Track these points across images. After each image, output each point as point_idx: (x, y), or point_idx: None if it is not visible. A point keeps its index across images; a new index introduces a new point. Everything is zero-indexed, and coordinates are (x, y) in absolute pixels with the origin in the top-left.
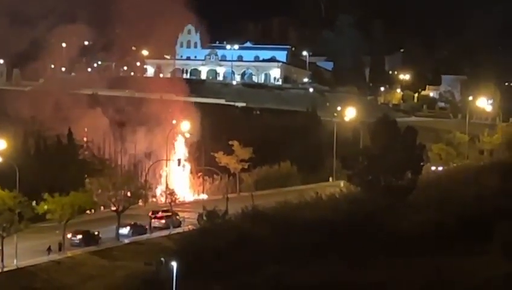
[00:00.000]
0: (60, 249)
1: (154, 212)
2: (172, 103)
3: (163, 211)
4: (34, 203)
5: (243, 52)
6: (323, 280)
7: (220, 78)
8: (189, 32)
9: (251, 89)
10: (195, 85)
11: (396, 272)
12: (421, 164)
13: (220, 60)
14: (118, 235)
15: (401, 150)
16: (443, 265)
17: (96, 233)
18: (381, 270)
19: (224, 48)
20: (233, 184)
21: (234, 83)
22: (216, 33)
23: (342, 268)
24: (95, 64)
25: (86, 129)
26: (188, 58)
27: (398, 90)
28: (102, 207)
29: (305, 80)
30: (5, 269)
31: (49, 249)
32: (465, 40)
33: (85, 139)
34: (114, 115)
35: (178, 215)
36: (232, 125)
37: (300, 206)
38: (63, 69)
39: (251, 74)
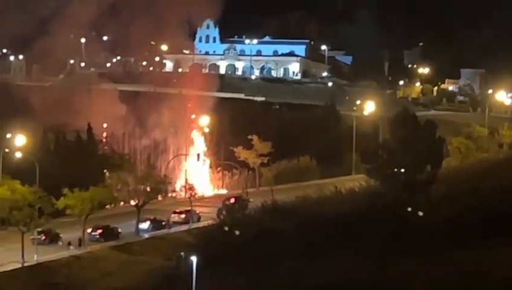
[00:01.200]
0: (80, 244)
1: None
2: (191, 97)
3: (186, 211)
4: (53, 198)
5: (262, 47)
6: (342, 274)
7: (239, 72)
8: (208, 27)
9: (270, 83)
10: (214, 80)
11: (416, 267)
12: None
13: (239, 55)
14: (137, 230)
15: (420, 143)
16: (464, 259)
17: (116, 228)
18: (401, 264)
19: (243, 43)
20: (253, 179)
21: (253, 77)
22: (235, 28)
23: (361, 263)
24: (114, 60)
25: (105, 125)
26: (207, 53)
27: (418, 84)
28: (122, 202)
29: (324, 74)
30: (25, 264)
31: (69, 244)
32: (484, 33)
33: (104, 134)
34: (133, 110)
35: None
36: (251, 119)
37: (320, 201)
38: (82, 64)
39: (270, 69)
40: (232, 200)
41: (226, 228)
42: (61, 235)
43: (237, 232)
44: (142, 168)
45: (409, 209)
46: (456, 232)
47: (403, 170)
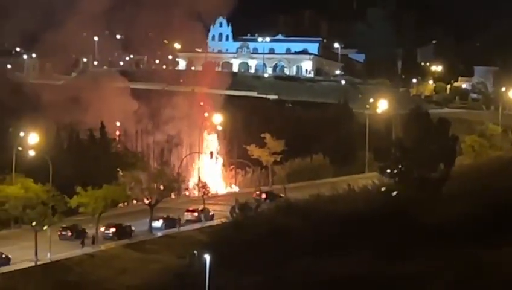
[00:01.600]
0: (93, 243)
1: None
2: (204, 95)
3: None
4: (67, 196)
5: (275, 45)
6: (356, 272)
7: (252, 70)
8: (220, 25)
9: (283, 81)
10: (227, 78)
11: (429, 265)
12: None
13: (252, 53)
14: (150, 228)
15: (433, 141)
16: (477, 257)
17: (129, 226)
18: (414, 262)
19: (255, 41)
20: (266, 177)
21: (266, 75)
22: (248, 26)
23: (375, 261)
24: (127, 58)
25: (118, 123)
26: (220, 51)
27: (431, 82)
28: (135, 200)
29: (337, 72)
30: (39, 263)
31: (82, 243)
32: (497, 30)
33: (117, 132)
34: (146, 109)
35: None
36: (264, 118)
37: (333, 199)
38: (95, 62)
39: (283, 67)
40: (264, 196)
41: (240, 227)
42: (87, 231)
43: (250, 231)
44: (155, 167)
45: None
46: (469, 230)
47: (415, 168)
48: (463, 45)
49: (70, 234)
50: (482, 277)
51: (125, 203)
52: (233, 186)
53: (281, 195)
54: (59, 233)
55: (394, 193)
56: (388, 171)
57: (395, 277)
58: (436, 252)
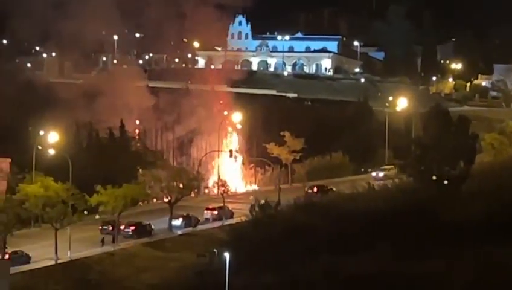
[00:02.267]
0: (113, 241)
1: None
2: (223, 94)
3: (219, 208)
4: (86, 195)
5: (294, 43)
6: (376, 270)
7: (271, 69)
8: (240, 23)
9: (302, 79)
10: (247, 76)
11: (449, 263)
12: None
13: (271, 51)
14: (170, 226)
15: (453, 139)
16: (497, 255)
17: (149, 224)
18: (434, 261)
19: (275, 39)
20: (285, 175)
21: (285, 73)
22: (267, 24)
23: (394, 259)
24: (147, 57)
25: (137, 121)
26: (239, 50)
27: (450, 80)
28: (154, 199)
29: (357, 70)
30: (59, 261)
31: (102, 241)
32: None
33: (137, 131)
34: (166, 107)
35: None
36: (283, 116)
37: (353, 197)
38: (115, 61)
39: (302, 65)
40: (315, 189)
41: (259, 225)
42: (153, 228)
43: (270, 229)
44: (174, 165)
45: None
46: (489, 229)
47: (435, 166)
48: (483, 42)
49: (111, 228)
50: (502, 277)
51: (145, 202)
52: (252, 185)
53: (332, 188)
54: (100, 228)
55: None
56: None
57: (414, 275)
58: (455, 251)
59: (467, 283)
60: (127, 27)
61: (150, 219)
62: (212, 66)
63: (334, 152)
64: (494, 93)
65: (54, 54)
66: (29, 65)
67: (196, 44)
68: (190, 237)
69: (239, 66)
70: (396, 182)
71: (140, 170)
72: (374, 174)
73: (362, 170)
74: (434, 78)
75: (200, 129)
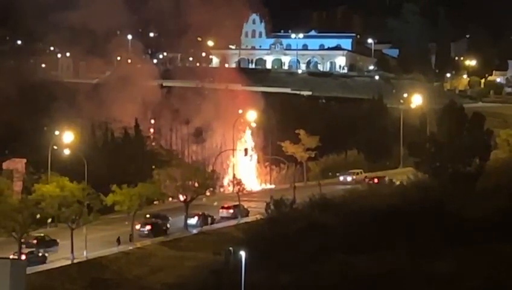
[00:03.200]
0: (130, 240)
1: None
2: (238, 92)
3: (234, 206)
4: (102, 195)
5: (308, 41)
6: (391, 268)
7: (285, 67)
8: (253, 22)
9: (316, 77)
10: (261, 75)
11: (465, 260)
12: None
13: (285, 49)
14: (186, 225)
15: (468, 136)
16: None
17: (164, 223)
18: (450, 258)
19: (289, 37)
20: (301, 173)
21: (299, 71)
22: (281, 22)
23: (410, 256)
24: (161, 56)
25: (152, 121)
26: (253, 48)
27: (465, 76)
28: (170, 198)
29: (371, 67)
30: (75, 261)
31: (118, 241)
32: None
33: (151, 130)
34: (180, 106)
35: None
36: (298, 114)
37: (368, 194)
38: (129, 61)
39: (316, 63)
40: (376, 181)
41: (275, 223)
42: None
43: (285, 227)
44: (189, 164)
45: None
46: (505, 225)
47: (450, 163)
48: (497, 38)
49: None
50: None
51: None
52: (268, 183)
53: (394, 180)
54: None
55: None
56: (423, 166)
57: (429, 273)
58: (471, 248)
59: (483, 281)
60: (141, 26)
61: (165, 218)
62: (227, 65)
63: (349, 150)
64: (509, 90)
65: (68, 54)
66: (43, 65)
67: (210, 43)
68: (206, 235)
69: (253, 64)
70: (411, 179)
71: (156, 169)
72: (341, 178)
73: (330, 174)
74: (448, 74)
75: (215, 128)
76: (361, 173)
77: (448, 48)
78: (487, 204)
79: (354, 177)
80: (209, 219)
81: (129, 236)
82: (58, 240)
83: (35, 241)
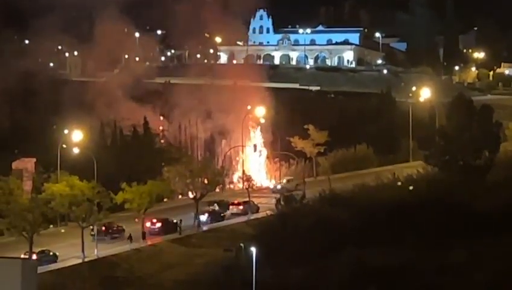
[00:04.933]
0: (143, 238)
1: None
2: (246, 88)
3: (244, 202)
4: (112, 193)
5: (316, 36)
6: (402, 261)
7: (293, 62)
8: (261, 17)
9: (325, 72)
10: (269, 70)
11: (475, 252)
12: (498, 142)
13: (293, 45)
14: (197, 222)
15: (477, 128)
16: None
17: (174, 221)
18: (460, 250)
19: (296, 33)
20: (310, 168)
21: (307, 67)
22: (288, 18)
23: (420, 249)
24: (169, 53)
25: (161, 118)
26: (261, 44)
27: (473, 69)
28: (180, 195)
29: (379, 61)
30: (86, 259)
31: (130, 238)
32: None
33: (161, 128)
34: (189, 103)
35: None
36: (307, 109)
37: (378, 189)
38: (137, 58)
39: (324, 58)
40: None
41: (285, 218)
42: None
43: (296, 222)
44: (199, 161)
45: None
46: None
47: (460, 156)
48: (505, 30)
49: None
50: None
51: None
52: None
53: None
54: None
55: (410, 188)
56: (433, 159)
57: (439, 266)
58: (481, 241)
59: (493, 273)
60: (148, 24)
61: (175, 215)
62: (235, 61)
63: (359, 144)
64: None
65: (76, 52)
66: (51, 64)
67: (218, 39)
68: (216, 232)
69: (261, 60)
70: (421, 173)
71: (165, 167)
72: (271, 186)
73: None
74: (457, 67)
75: (224, 124)
76: (291, 180)
77: (457, 40)
78: (497, 197)
79: (284, 185)
80: (220, 215)
81: (142, 234)
82: (58, 254)
83: (103, 228)
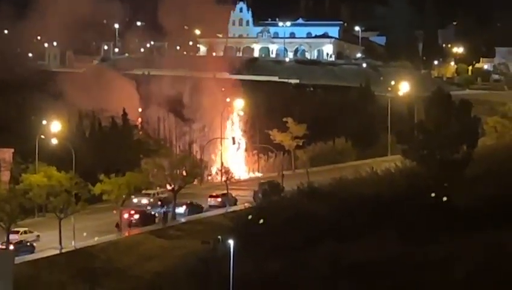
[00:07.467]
0: (118, 228)
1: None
2: (225, 81)
3: (222, 195)
4: (90, 184)
5: (295, 29)
6: (380, 256)
7: (273, 55)
8: (241, 10)
9: (304, 65)
10: (248, 63)
11: (455, 247)
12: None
13: (273, 38)
14: (174, 214)
15: (456, 123)
16: (503, 239)
17: (152, 213)
18: (439, 245)
19: (276, 25)
20: (288, 161)
21: (287, 60)
22: (268, 10)
23: (399, 244)
24: (148, 45)
25: (140, 109)
26: (241, 36)
27: (452, 64)
28: (158, 187)
29: (358, 55)
30: (63, 250)
31: (117, 226)
32: None
33: (139, 119)
34: (168, 95)
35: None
36: (286, 102)
37: (356, 182)
38: (116, 50)
39: (304, 51)
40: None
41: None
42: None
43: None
44: (177, 153)
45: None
46: (493, 212)
47: (438, 150)
48: (484, 25)
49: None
50: (507, 260)
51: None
52: (256, 171)
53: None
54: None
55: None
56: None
57: (419, 261)
58: (459, 235)
59: (475, 266)
60: (128, 15)
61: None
62: (214, 54)
63: (337, 137)
64: (496, 77)
65: (55, 43)
66: (30, 55)
67: (197, 31)
68: (194, 224)
69: (241, 53)
70: (399, 167)
71: (144, 158)
72: (135, 200)
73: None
74: (436, 62)
75: (203, 116)
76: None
77: (436, 35)
78: (475, 191)
79: (151, 199)
80: (198, 207)
81: (115, 224)
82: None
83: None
